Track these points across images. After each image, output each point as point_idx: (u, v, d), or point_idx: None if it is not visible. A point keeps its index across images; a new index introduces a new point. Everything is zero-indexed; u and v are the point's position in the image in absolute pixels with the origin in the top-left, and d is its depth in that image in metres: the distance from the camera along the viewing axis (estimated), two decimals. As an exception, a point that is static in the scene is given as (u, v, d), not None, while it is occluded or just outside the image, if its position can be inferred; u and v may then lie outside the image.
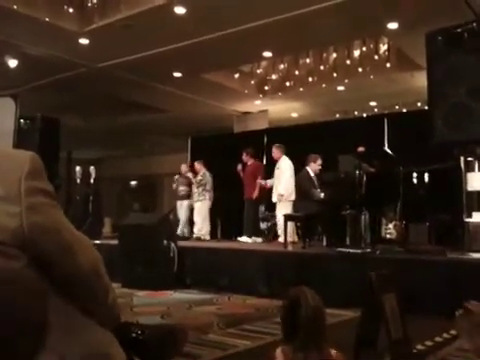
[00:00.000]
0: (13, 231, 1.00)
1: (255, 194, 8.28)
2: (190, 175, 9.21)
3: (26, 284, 1.02)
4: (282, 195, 7.63)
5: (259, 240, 8.21)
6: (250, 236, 8.21)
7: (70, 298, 1.08)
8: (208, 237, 8.91)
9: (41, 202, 1.06)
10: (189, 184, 9.45)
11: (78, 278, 1.10)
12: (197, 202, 9.00)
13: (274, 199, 7.80)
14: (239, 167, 8.55)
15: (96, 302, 1.16)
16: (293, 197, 7.70)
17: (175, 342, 1.42)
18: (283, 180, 7.68)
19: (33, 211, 1.03)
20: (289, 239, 7.48)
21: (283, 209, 7.60)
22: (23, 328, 0.99)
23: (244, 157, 8.54)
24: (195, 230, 8.97)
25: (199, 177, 9.02)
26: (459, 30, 4.47)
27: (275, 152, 7.96)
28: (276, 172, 7.89)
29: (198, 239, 8.63)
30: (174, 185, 9.74)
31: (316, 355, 1.69)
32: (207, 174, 9.03)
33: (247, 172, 8.45)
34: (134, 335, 1.31)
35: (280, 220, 7.57)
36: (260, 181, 8.21)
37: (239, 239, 8.27)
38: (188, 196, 9.47)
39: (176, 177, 9.74)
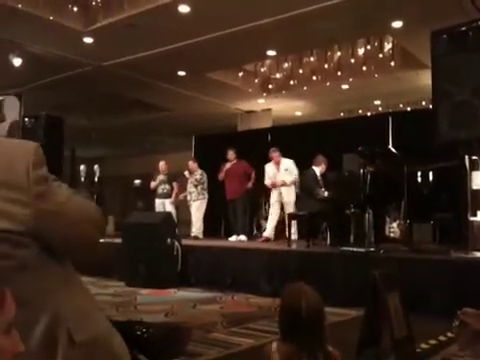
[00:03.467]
0: (22, 219, 1.03)
1: (249, 185, 8.27)
2: (186, 173, 9.17)
3: (38, 272, 1.05)
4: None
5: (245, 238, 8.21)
6: (242, 234, 8.25)
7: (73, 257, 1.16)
8: (201, 236, 8.90)
9: (47, 190, 1.10)
10: (170, 182, 9.38)
11: (85, 257, 1.17)
12: (196, 201, 8.96)
13: (288, 199, 7.78)
14: (227, 166, 8.49)
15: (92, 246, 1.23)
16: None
17: (179, 340, 1.43)
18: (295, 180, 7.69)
19: (41, 199, 1.07)
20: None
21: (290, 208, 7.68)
22: (30, 315, 1.02)
23: (231, 156, 8.51)
24: (193, 229, 8.94)
25: (198, 175, 8.98)
26: (464, 29, 4.45)
27: (276, 155, 7.92)
28: (284, 174, 7.85)
29: (195, 238, 8.61)
30: (154, 183, 9.46)
31: (315, 353, 1.68)
32: (204, 173, 9.03)
33: (233, 171, 8.41)
34: (138, 333, 1.32)
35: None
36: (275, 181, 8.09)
37: (235, 239, 8.25)
38: (170, 195, 9.39)
39: (161, 177, 9.48)
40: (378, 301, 3.02)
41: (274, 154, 7.90)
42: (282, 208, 7.89)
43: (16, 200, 1.04)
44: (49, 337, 1.02)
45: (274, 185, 7.88)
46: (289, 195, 7.77)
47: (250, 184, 8.35)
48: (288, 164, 7.87)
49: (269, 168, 7.94)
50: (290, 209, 7.64)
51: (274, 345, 1.72)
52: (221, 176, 8.49)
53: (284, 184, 7.72)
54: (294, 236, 7.56)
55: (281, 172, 7.88)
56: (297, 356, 1.65)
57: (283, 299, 1.81)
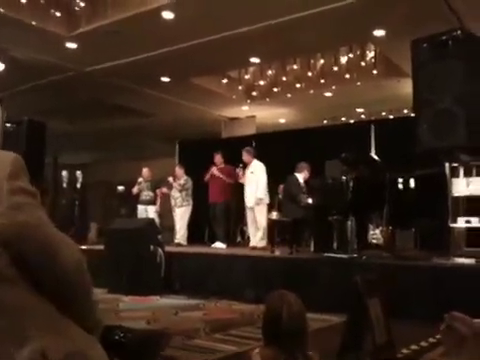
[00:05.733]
0: None
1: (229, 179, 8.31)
2: (170, 179, 9.15)
3: (7, 283, 1.01)
4: (261, 199, 7.66)
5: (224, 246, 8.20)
6: (220, 241, 8.25)
7: (51, 298, 1.08)
8: (185, 243, 8.86)
9: (23, 202, 1.07)
10: (153, 189, 9.35)
11: (59, 276, 1.09)
12: (181, 207, 8.93)
13: (251, 203, 7.77)
14: (214, 170, 8.49)
15: (77, 302, 1.15)
16: (268, 201, 7.78)
17: (157, 345, 1.42)
18: (261, 183, 7.70)
19: (16, 210, 1.04)
20: (259, 244, 7.54)
21: (264, 213, 7.65)
22: (2, 324, 0.99)
23: (218, 160, 8.53)
24: (177, 236, 8.89)
25: (182, 181, 8.95)
26: (444, 38, 4.52)
27: (246, 156, 7.95)
28: (250, 176, 7.87)
29: (178, 245, 8.57)
30: (135, 189, 9.39)
31: (297, 358, 1.69)
32: (189, 179, 9.01)
33: (217, 176, 8.44)
34: (116, 338, 1.30)
35: (263, 223, 7.63)
36: (238, 170, 8.14)
37: (214, 246, 8.23)
38: (153, 201, 9.34)
39: (140, 180, 9.43)
40: (360, 307, 3.03)
41: (244, 154, 7.95)
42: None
43: None
44: (20, 356, 0.99)
45: (236, 179, 8.01)
46: (251, 200, 7.75)
47: (229, 180, 8.34)
48: (255, 167, 7.90)
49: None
50: (258, 215, 7.67)
51: (257, 351, 1.74)
52: (207, 177, 8.49)
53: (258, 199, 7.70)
54: (259, 244, 7.60)
55: (247, 174, 7.92)
56: None
57: (266, 306, 1.83)
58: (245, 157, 7.97)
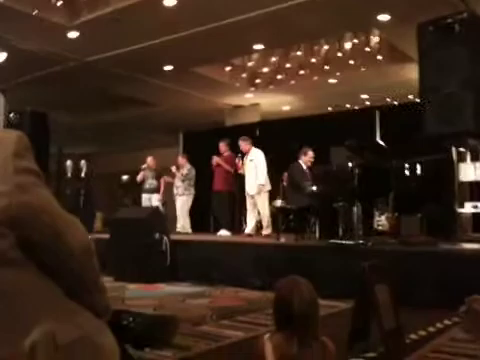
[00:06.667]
0: (2, 210, 0.98)
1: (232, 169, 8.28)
2: (173, 169, 9.13)
3: (12, 266, 0.99)
4: (263, 185, 7.64)
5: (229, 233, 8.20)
6: (224, 229, 8.25)
7: (59, 281, 1.06)
8: (189, 231, 8.88)
9: (29, 181, 1.04)
10: (158, 177, 9.34)
11: (66, 259, 1.07)
12: (182, 196, 8.92)
13: (252, 191, 7.75)
14: (215, 159, 8.48)
15: (85, 286, 1.13)
16: (269, 187, 7.74)
17: (165, 330, 1.41)
18: (260, 171, 7.68)
19: (21, 190, 1.01)
20: (265, 231, 7.56)
21: (265, 200, 7.64)
22: (11, 307, 0.97)
23: (222, 148, 8.50)
24: (178, 225, 8.88)
25: (185, 170, 8.94)
26: (450, 21, 4.46)
27: (243, 145, 7.94)
28: (249, 164, 7.86)
29: (185, 233, 8.57)
30: (140, 176, 9.37)
31: (309, 343, 1.69)
32: (192, 168, 9.00)
33: (219, 164, 8.42)
34: (125, 322, 1.29)
35: (266, 211, 7.63)
36: (238, 160, 8.13)
37: (219, 234, 8.23)
38: (156, 190, 9.33)
39: (144, 166, 9.38)
40: (367, 293, 3.02)
41: (241, 143, 7.93)
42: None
43: None
44: (29, 340, 0.97)
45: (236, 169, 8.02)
46: (252, 188, 7.74)
47: (231, 168, 8.31)
48: (254, 155, 7.88)
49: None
50: (260, 203, 7.66)
51: (268, 336, 1.74)
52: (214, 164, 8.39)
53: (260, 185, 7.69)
54: (266, 231, 7.61)
55: (246, 162, 7.91)
56: (291, 346, 1.66)
57: (277, 291, 1.83)
58: (243, 146, 7.96)
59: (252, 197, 7.80)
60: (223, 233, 8.18)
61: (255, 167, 7.74)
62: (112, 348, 1.14)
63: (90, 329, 1.10)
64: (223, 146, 8.50)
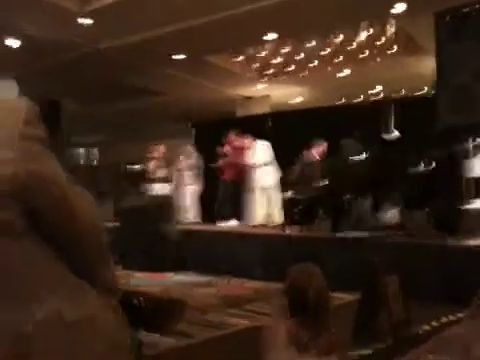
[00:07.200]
0: (8, 179, 0.94)
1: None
2: (181, 158, 9.10)
3: (18, 237, 0.96)
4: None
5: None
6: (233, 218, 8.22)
7: (66, 255, 1.03)
8: (199, 220, 8.86)
9: (37, 149, 1.01)
10: (169, 167, 9.30)
11: (74, 233, 1.04)
12: (191, 186, 8.89)
13: (269, 183, 7.73)
14: (221, 149, 8.42)
15: (93, 260, 1.10)
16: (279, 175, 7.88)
17: (173, 313, 1.39)
18: (268, 159, 7.64)
19: (29, 158, 0.98)
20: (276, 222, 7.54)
21: (278, 192, 7.63)
22: (14, 280, 0.95)
23: (231, 138, 8.43)
24: (188, 214, 8.84)
25: (193, 160, 8.91)
26: (467, 10, 4.37)
27: (247, 142, 7.93)
28: (258, 157, 7.84)
29: (189, 223, 8.55)
30: (151, 164, 9.19)
31: (321, 333, 1.69)
32: (200, 158, 8.96)
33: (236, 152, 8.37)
34: (135, 302, 1.28)
35: (278, 202, 7.60)
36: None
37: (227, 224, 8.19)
38: (167, 179, 9.29)
39: (155, 154, 9.25)
40: (376, 285, 2.99)
41: (245, 140, 7.92)
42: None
43: (3, 158, 0.95)
44: (38, 317, 0.94)
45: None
46: (264, 178, 7.73)
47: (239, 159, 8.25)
48: (260, 147, 7.88)
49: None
50: (272, 193, 7.64)
51: (280, 323, 1.74)
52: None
53: (253, 165, 7.70)
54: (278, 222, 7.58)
55: (253, 155, 7.89)
56: (303, 333, 1.66)
57: (292, 279, 1.82)
58: (245, 142, 7.93)
59: (265, 189, 7.80)
60: (232, 223, 8.16)
61: (263, 159, 7.74)
62: (119, 326, 1.12)
63: (97, 307, 1.08)
64: (231, 136, 8.44)
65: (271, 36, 8.65)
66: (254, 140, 7.99)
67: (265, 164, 7.76)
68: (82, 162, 10.02)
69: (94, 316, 1.06)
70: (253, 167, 7.90)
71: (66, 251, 1.05)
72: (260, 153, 7.85)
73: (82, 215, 1.06)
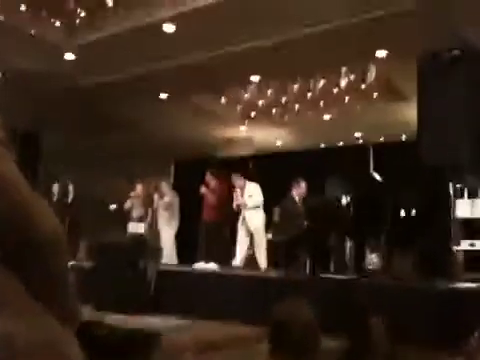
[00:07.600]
0: None
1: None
2: (156, 197, 8.95)
3: None
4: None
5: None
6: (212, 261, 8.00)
7: (21, 274, 0.88)
8: (175, 261, 8.62)
9: None
10: (145, 206, 9.14)
11: (32, 248, 0.89)
12: (166, 226, 8.69)
13: (253, 226, 7.60)
14: (203, 190, 8.27)
15: (51, 282, 0.94)
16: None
17: (141, 346, 1.23)
18: (260, 202, 7.52)
19: None
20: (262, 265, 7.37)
21: (264, 233, 7.55)
22: None
23: (208, 179, 8.26)
24: (164, 253, 8.59)
25: (167, 199, 8.73)
26: (447, 56, 4.44)
27: (238, 181, 7.82)
28: (248, 200, 7.70)
29: (166, 263, 8.31)
30: (128, 204, 9.13)
31: None
32: (176, 196, 8.81)
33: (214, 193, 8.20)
34: (98, 333, 1.12)
35: (263, 244, 7.50)
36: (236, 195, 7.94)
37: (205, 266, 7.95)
38: (144, 218, 9.12)
39: (132, 194, 9.20)
40: (361, 329, 2.87)
41: (235, 180, 7.82)
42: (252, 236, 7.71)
43: None
44: None
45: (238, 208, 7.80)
46: (253, 221, 7.59)
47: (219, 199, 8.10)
48: (252, 189, 7.76)
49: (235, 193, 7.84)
50: (259, 236, 7.50)
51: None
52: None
53: (244, 207, 7.58)
54: (264, 265, 7.42)
55: (245, 198, 7.76)
56: None
57: (277, 315, 1.69)
58: (237, 182, 7.81)
59: (251, 231, 7.65)
60: (210, 266, 7.92)
61: (255, 202, 7.63)
62: (76, 357, 0.96)
63: (54, 335, 0.92)
64: (208, 177, 8.22)
65: (255, 78, 8.74)
66: (245, 180, 7.86)
67: (256, 206, 7.64)
68: (56, 198, 9.76)
69: (51, 344, 0.90)
70: (244, 208, 7.74)
71: (21, 269, 0.89)
72: (253, 194, 7.73)
73: (43, 225, 0.90)
